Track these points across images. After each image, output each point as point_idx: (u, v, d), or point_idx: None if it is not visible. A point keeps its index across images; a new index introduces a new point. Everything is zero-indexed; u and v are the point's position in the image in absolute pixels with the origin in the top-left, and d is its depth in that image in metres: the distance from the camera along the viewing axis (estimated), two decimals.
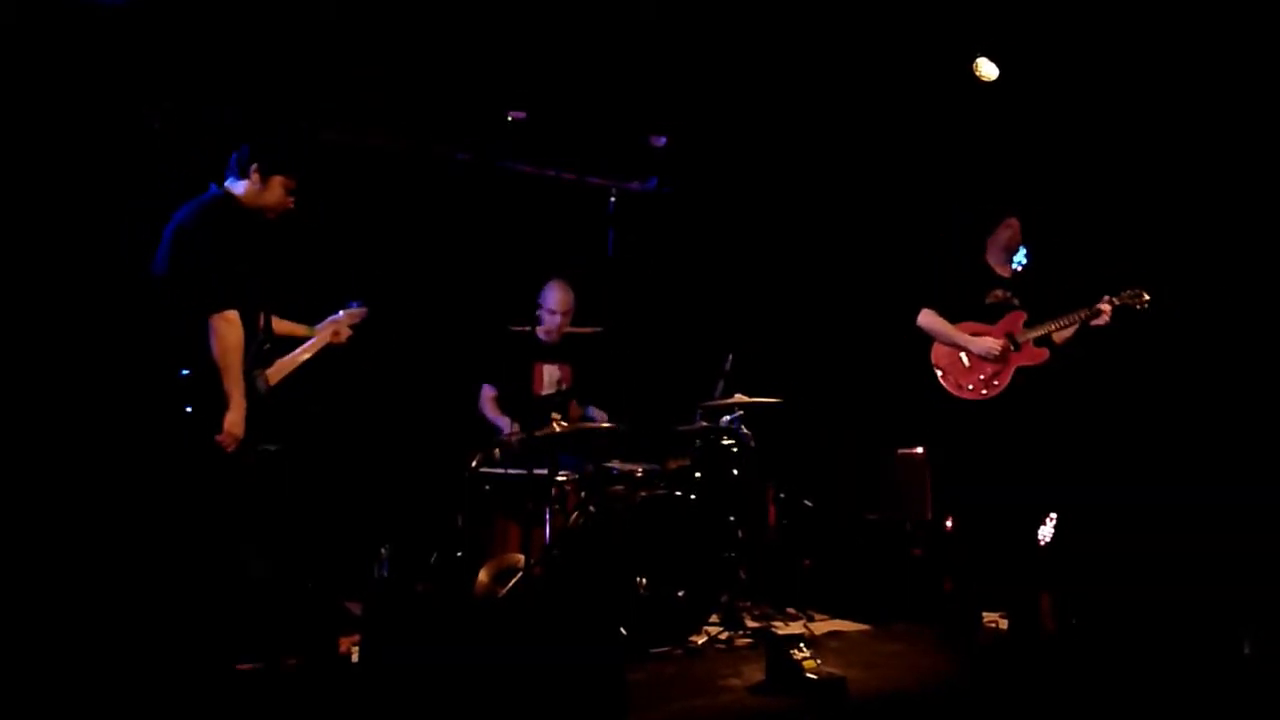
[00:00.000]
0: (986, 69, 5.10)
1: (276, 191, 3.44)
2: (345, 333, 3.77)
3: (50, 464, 3.84)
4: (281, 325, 3.64)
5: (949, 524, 4.52)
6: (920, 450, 5.13)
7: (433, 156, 4.96)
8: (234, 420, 3.23)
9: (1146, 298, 4.28)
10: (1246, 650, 3.56)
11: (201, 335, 3.22)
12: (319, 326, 3.75)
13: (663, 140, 5.34)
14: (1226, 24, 4.55)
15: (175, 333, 3.28)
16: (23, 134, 3.93)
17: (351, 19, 4.44)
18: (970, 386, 4.27)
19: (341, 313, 3.79)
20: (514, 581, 4.02)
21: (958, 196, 5.27)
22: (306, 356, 3.63)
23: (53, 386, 3.93)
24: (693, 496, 4.23)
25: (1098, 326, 4.28)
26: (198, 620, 3.19)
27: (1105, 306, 4.25)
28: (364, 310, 3.82)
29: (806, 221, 5.96)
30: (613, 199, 4.73)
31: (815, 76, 5.31)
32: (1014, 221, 4.41)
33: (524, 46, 4.76)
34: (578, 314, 4.80)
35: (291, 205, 3.50)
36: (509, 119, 4.72)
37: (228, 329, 3.22)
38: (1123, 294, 4.28)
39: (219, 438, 3.21)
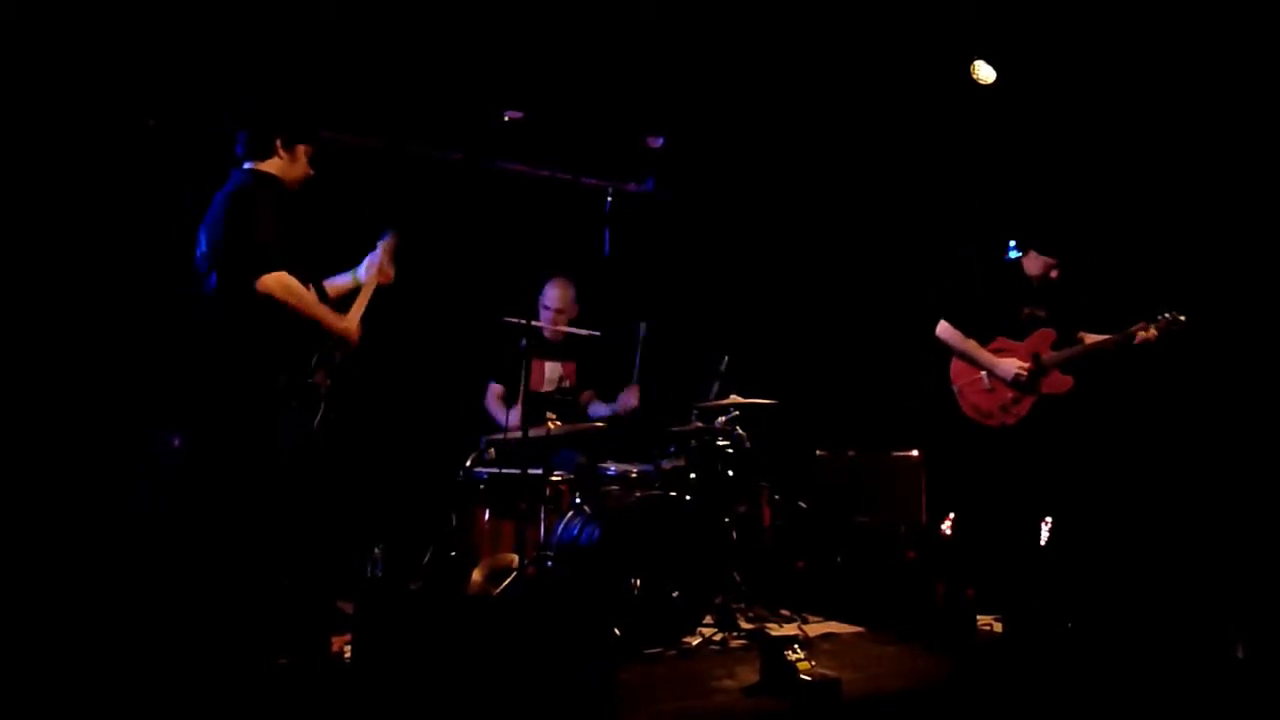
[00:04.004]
0: (984, 72, 5.11)
1: (302, 161, 3.47)
2: (390, 269, 3.70)
3: (39, 463, 3.84)
4: (331, 287, 3.62)
5: (944, 527, 4.51)
6: (915, 453, 5.12)
7: (429, 157, 4.96)
8: (344, 324, 3.37)
9: (1183, 319, 3.97)
10: (1239, 653, 3.56)
11: (246, 320, 3.19)
12: (360, 273, 3.68)
13: (660, 141, 5.34)
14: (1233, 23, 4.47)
15: (220, 316, 3.24)
16: (18, 138, 3.92)
17: (348, 18, 4.44)
18: (990, 413, 4.09)
19: (378, 249, 3.70)
20: (508, 581, 4.01)
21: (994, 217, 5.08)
22: (364, 305, 3.57)
23: (54, 387, 3.93)
24: (687, 497, 4.22)
25: (1145, 343, 3.97)
26: (206, 619, 3.20)
27: (1145, 334, 3.96)
28: (395, 238, 3.73)
29: (803, 222, 5.96)
30: (609, 199, 4.72)
31: (812, 78, 5.31)
32: (1054, 261, 4.13)
33: (521, 46, 4.76)
34: (574, 310, 4.82)
35: (313, 173, 3.51)
36: (505, 119, 4.72)
37: (282, 283, 3.19)
38: (1160, 319, 3.98)
39: (352, 345, 3.38)
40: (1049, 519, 4.37)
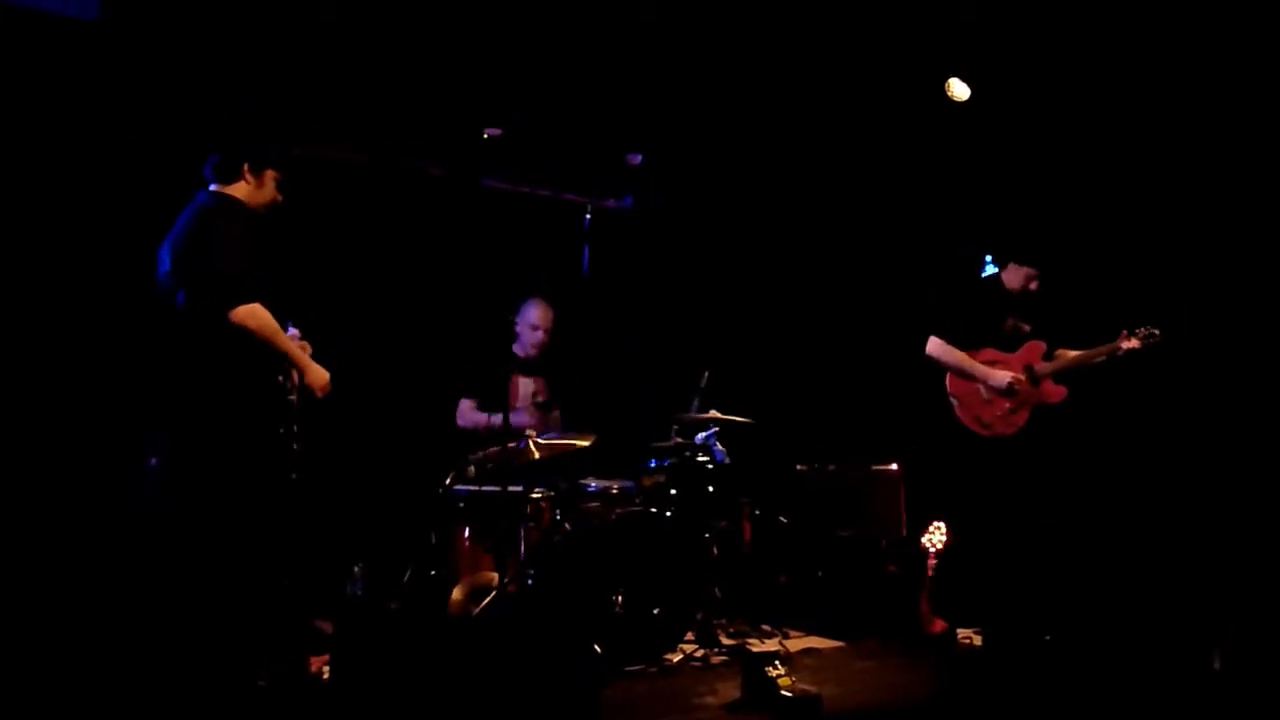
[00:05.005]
0: (958, 89, 5.17)
1: (270, 186, 3.44)
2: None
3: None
4: None
5: (924, 540, 4.52)
6: (895, 467, 5.15)
7: (409, 172, 4.96)
8: (314, 375, 3.33)
9: (1158, 333, 4.14)
10: (1216, 664, 3.59)
11: (218, 341, 3.17)
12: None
13: (639, 158, 5.36)
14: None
15: (190, 341, 3.22)
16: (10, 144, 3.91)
17: (329, 33, 4.44)
18: (989, 423, 4.16)
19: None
20: (488, 600, 3.99)
21: (971, 231, 5.10)
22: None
23: (56, 389, 3.90)
24: (668, 513, 4.22)
25: (1129, 353, 4.13)
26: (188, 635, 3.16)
27: (1129, 344, 4.12)
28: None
29: (782, 238, 5.99)
30: (588, 216, 4.73)
31: (791, 95, 5.35)
32: (1034, 272, 4.24)
33: (501, 63, 4.77)
34: (554, 329, 4.81)
35: (281, 200, 3.48)
36: (485, 135, 4.73)
37: (255, 316, 3.18)
38: (1138, 332, 4.14)
39: (319, 395, 3.34)
40: (1045, 529, 4.40)
